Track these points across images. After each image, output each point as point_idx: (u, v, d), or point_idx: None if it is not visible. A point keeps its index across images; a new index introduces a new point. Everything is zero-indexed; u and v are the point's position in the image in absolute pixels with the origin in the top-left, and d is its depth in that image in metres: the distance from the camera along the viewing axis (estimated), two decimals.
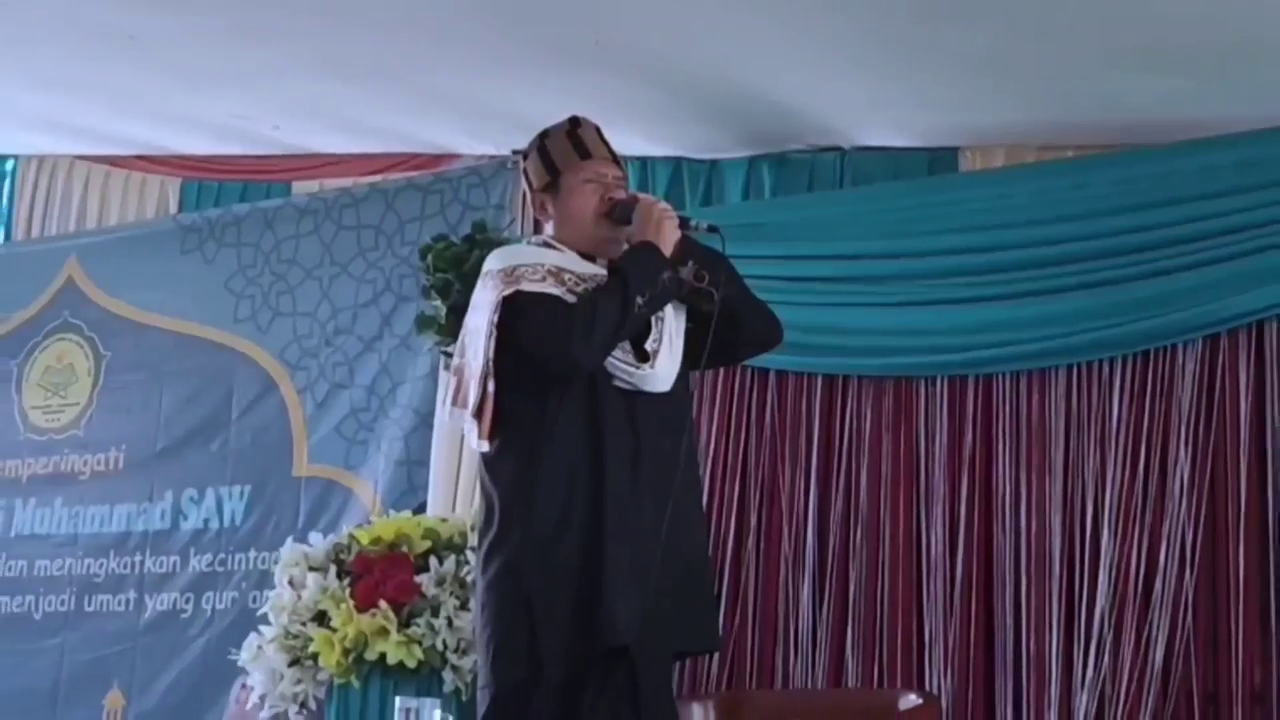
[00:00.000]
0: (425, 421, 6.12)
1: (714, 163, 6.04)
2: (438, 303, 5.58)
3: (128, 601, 6.74)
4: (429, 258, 5.69)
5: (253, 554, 6.45)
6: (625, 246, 3.76)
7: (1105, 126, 5.39)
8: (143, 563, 6.75)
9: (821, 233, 5.69)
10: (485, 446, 3.74)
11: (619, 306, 3.64)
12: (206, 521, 6.64)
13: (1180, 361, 5.21)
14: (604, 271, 3.75)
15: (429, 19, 5.19)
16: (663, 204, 3.82)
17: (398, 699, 3.67)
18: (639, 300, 3.65)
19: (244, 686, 5.92)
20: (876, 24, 4.96)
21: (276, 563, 5.73)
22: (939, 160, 5.77)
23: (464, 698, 4.98)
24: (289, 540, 5.72)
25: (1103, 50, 4.93)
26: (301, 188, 6.97)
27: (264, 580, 6.20)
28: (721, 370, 5.56)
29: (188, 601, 6.60)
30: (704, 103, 5.63)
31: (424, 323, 5.75)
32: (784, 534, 5.60)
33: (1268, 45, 4.77)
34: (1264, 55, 4.83)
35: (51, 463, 7.12)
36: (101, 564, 6.85)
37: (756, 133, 5.84)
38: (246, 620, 6.09)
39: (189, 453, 6.77)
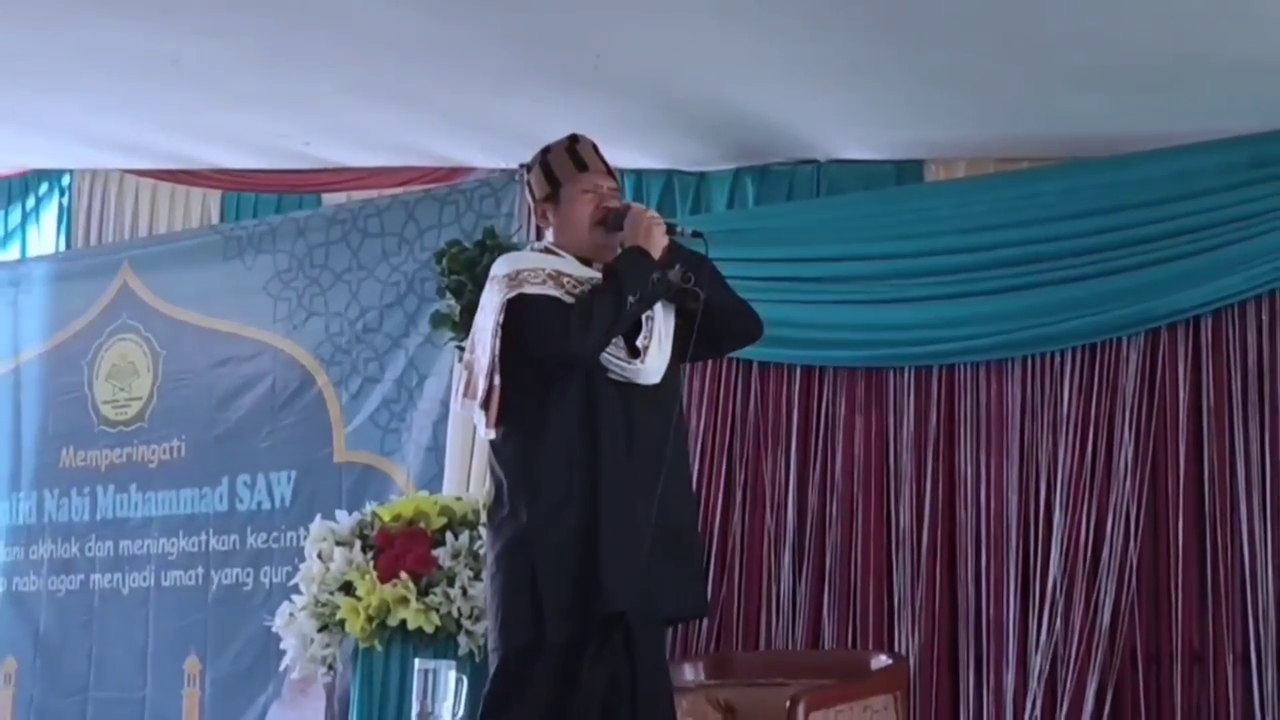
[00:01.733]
0: (450, 411, 6.12)
1: (702, 175, 6.02)
2: (453, 302, 5.59)
3: (198, 576, 6.80)
4: (445, 261, 5.70)
5: (301, 532, 6.40)
6: (619, 251, 3.77)
7: (1056, 141, 5.37)
8: (208, 541, 6.80)
9: (799, 238, 5.68)
10: (493, 434, 3.77)
11: (613, 304, 3.67)
12: (260, 504, 6.68)
13: (1124, 353, 5.20)
14: (599, 275, 3.76)
15: (446, 45, 5.17)
16: (652, 212, 3.84)
17: (417, 661, 3.66)
18: (631, 299, 3.68)
19: None
20: (850, 49, 4.94)
21: None
22: (906, 172, 5.75)
23: (477, 660, 4.98)
24: (317, 518, 5.74)
25: (1054, 72, 4.91)
26: (331, 199, 6.96)
27: None
28: (709, 363, 5.56)
29: (248, 575, 6.66)
30: (693, 120, 5.62)
31: (439, 320, 5.76)
32: (766, 510, 5.60)
33: (1203, 66, 4.75)
34: (1200, 75, 4.81)
35: (124, 453, 7.15)
36: (174, 543, 6.90)
37: (740, 147, 5.82)
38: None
39: (240, 441, 6.79)
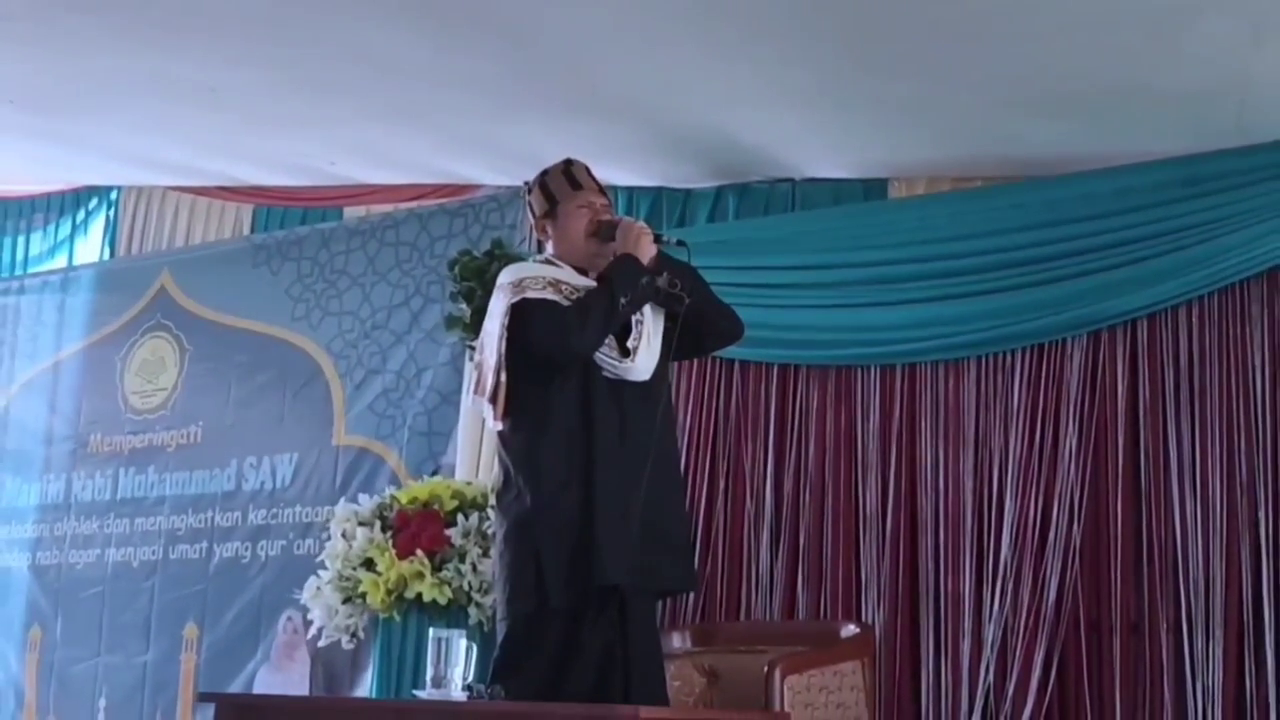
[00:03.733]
0: (446, 400, 6.16)
1: (688, 192, 6.03)
2: (464, 305, 5.61)
3: (201, 550, 6.78)
4: (456, 269, 5.72)
5: (298, 509, 6.48)
6: (611, 259, 3.81)
7: (1008, 161, 5.38)
8: (213, 518, 6.78)
9: (776, 248, 5.69)
10: (500, 425, 3.82)
11: (607, 305, 3.72)
12: (263, 483, 6.67)
13: (1069, 353, 5.20)
14: (593, 283, 3.81)
15: (457, 75, 5.18)
16: (640, 223, 3.90)
17: (431, 630, 3.67)
18: (623, 300, 3.73)
19: (289, 618, 6.00)
20: (821, 80, 4.96)
21: (318, 517, 5.78)
22: (872, 189, 5.75)
23: (485, 629, 5.01)
24: (341, 501, 5.77)
25: (1006, 100, 4.93)
26: (351, 212, 6.97)
27: (307, 531, 6.31)
28: (695, 361, 5.58)
29: (247, 549, 6.64)
30: (679, 143, 5.63)
31: (451, 322, 5.78)
32: (747, 495, 5.60)
33: (1140, 95, 4.77)
34: (1137, 103, 4.83)
35: (146, 438, 7.14)
36: (183, 520, 6.88)
37: (722, 167, 5.83)
38: (293, 564, 6.20)
39: (251, 426, 6.79)
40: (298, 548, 6.38)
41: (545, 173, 4.00)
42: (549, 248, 3.98)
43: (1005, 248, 5.28)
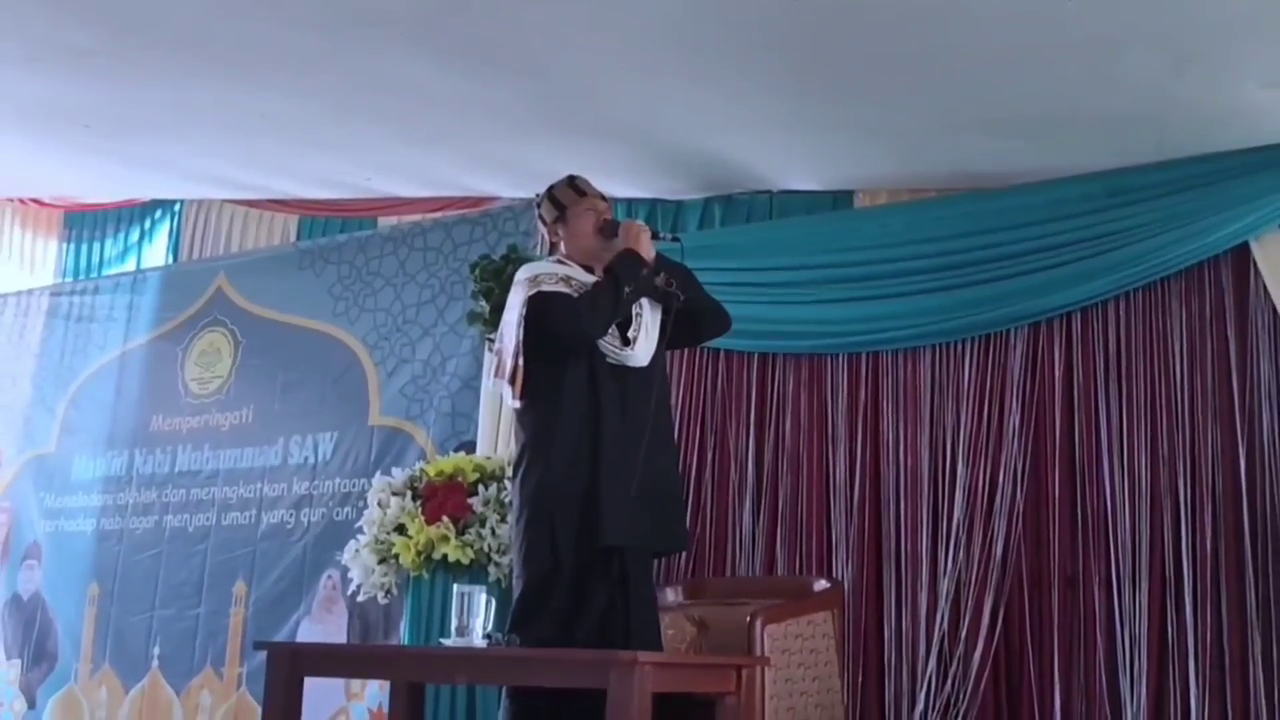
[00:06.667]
0: (467, 385, 6.13)
1: (679, 203, 6.02)
2: (483, 303, 5.60)
3: (250, 517, 6.74)
4: (476, 271, 5.71)
5: (337, 480, 6.44)
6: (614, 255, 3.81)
7: (958, 175, 5.38)
8: (261, 489, 6.74)
9: (756, 252, 5.68)
10: (517, 404, 3.81)
11: (613, 294, 3.72)
12: (306, 458, 6.63)
13: (1011, 343, 5.20)
14: (599, 279, 3.80)
15: (478, 102, 5.18)
16: (640, 223, 3.91)
17: (455, 586, 3.67)
18: (627, 289, 3.73)
19: (329, 576, 5.99)
20: (796, 105, 4.95)
21: (355, 487, 5.77)
22: (839, 200, 5.74)
23: (503, 586, 4.99)
24: (378, 474, 5.75)
25: (956, 122, 4.92)
26: (385, 222, 6.95)
27: (345, 500, 6.28)
28: (686, 352, 5.58)
29: (291, 516, 6.60)
30: (672, 160, 5.62)
31: (472, 317, 5.77)
32: (731, 467, 5.59)
33: (1071, 117, 4.77)
34: (1069, 124, 4.83)
35: (202, 420, 7.11)
36: (234, 490, 6.84)
37: (709, 181, 5.83)
38: (331, 529, 6.18)
39: (296, 409, 6.76)
40: (337, 515, 6.36)
41: (552, 186, 4.00)
42: (561, 249, 3.97)
43: (956, 250, 5.28)
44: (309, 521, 6.52)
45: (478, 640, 3.52)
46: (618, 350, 3.79)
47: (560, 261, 3.92)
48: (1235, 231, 4.83)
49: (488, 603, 3.60)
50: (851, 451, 5.39)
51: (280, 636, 6.32)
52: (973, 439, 5.16)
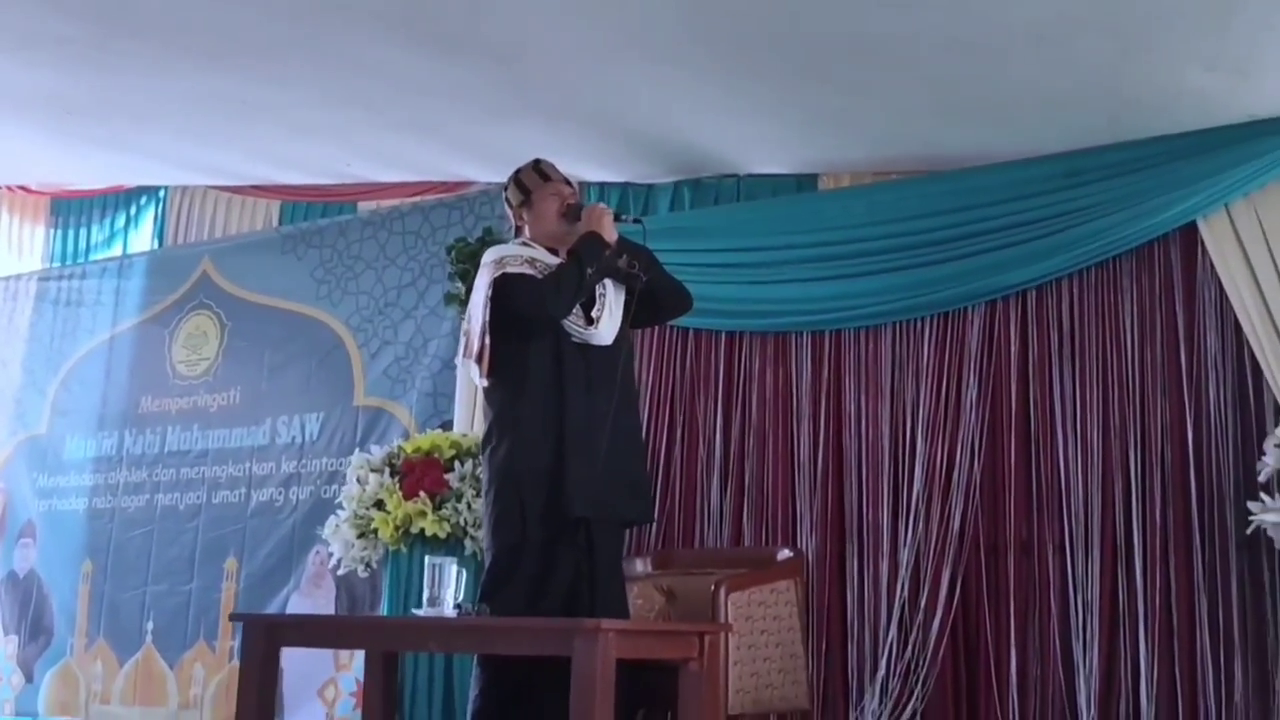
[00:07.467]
0: (448, 365, 6.11)
1: (650, 186, 6.03)
2: (459, 284, 5.61)
3: (240, 495, 6.75)
4: (453, 253, 5.72)
5: (324, 459, 6.45)
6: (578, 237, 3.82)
7: (917, 159, 5.39)
8: (250, 467, 6.75)
9: (724, 233, 5.69)
10: (485, 382, 3.82)
11: (576, 275, 3.72)
12: (293, 438, 6.64)
13: (969, 319, 5.23)
14: (563, 260, 3.81)
15: (455, 88, 5.18)
16: (602, 205, 3.90)
17: (426, 558, 3.69)
18: (590, 270, 3.74)
19: (317, 552, 6.00)
20: (764, 92, 4.97)
21: (342, 465, 5.78)
22: (804, 183, 5.75)
23: (479, 559, 5.01)
24: (356, 451, 5.77)
25: (916, 108, 4.94)
26: (365, 206, 6.94)
27: (332, 478, 6.28)
28: (655, 330, 5.59)
29: (280, 494, 6.61)
30: (643, 145, 5.63)
31: (450, 299, 5.78)
32: (700, 442, 5.61)
33: (1029, 100, 4.79)
34: (1026, 108, 4.85)
35: (191, 401, 7.11)
36: (224, 469, 6.85)
37: (679, 165, 5.83)
38: (320, 506, 6.17)
39: (283, 390, 6.76)
40: (324, 492, 6.37)
41: (518, 170, 4.01)
42: (526, 232, 3.98)
43: (915, 231, 5.29)
44: (297, 499, 6.53)
45: (448, 610, 3.54)
46: (582, 329, 3.80)
47: (525, 244, 3.92)
48: (1184, 211, 4.86)
49: (459, 574, 3.61)
50: (815, 426, 5.41)
51: (270, 610, 6.34)
52: (932, 413, 5.19)
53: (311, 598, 6.30)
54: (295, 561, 6.40)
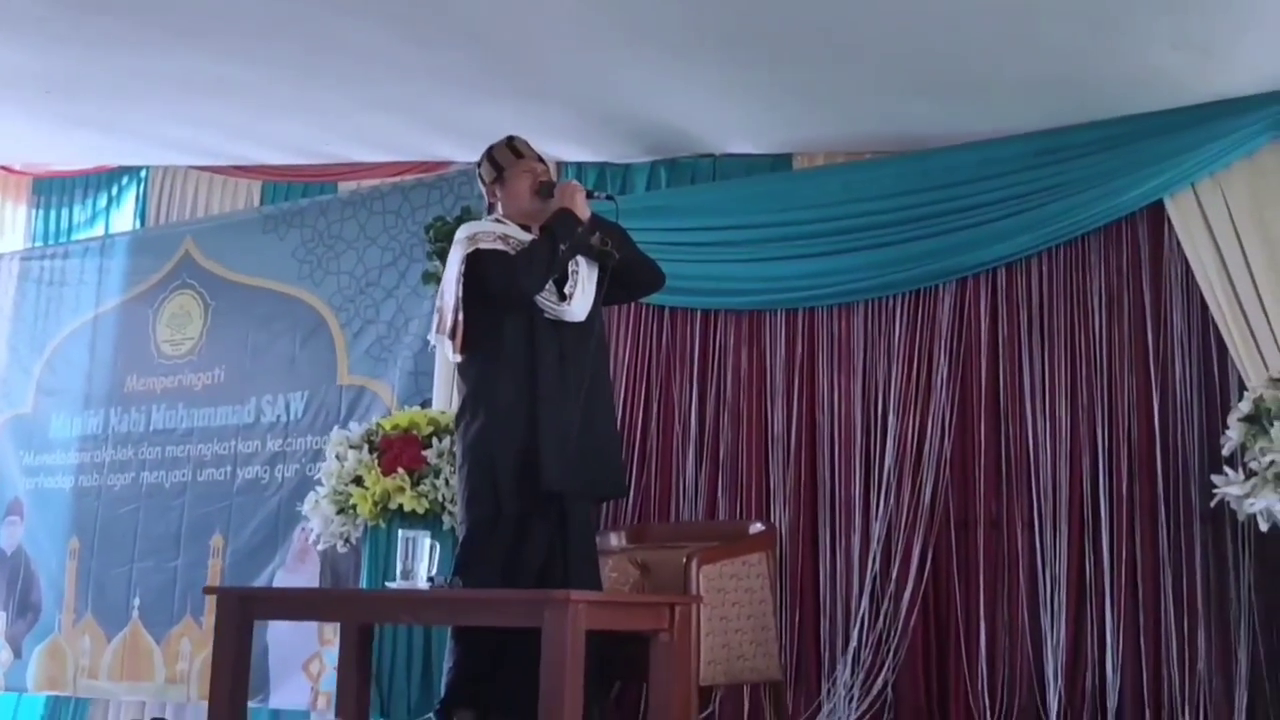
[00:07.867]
0: (428, 344, 6.07)
1: (627, 166, 6.00)
2: (437, 263, 5.59)
3: (226, 473, 6.70)
4: (431, 232, 5.71)
5: (309, 438, 6.40)
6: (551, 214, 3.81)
7: (890, 138, 5.39)
8: (235, 446, 6.70)
9: (700, 212, 5.67)
10: (458, 358, 3.82)
11: (548, 251, 3.72)
12: (279, 416, 6.58)
13: (940, 297, 5.23)
14: (536, 236, 3.80)
15: (434, 68, 5.15)
16: (574, 182, 3.91)
17: (400, 532, 3.70)
18: (562, 247, 3.74)
19: (302, 528, 5.98)
20: (738, 72, 4.95)
21: (325, 443, 5.77)
22: (779, 162, 5.73)
23: (457, 535, 4.98)
24: (335, 428, 5.76)
25: (887, 87, 4.93)
26: (345, 186, 6.88)
27: (317, 456, 6.21)
28: (630, 308, 5.59)
29: (265, 472, 6.56)
30: (620, 125, 5.60)
31: (427, 277, 5.77)
32: (675, 418, 5.61)
33: (1000, 80, 4.78)
34: (997, 87, 4.85)
35: (176, 380, 7.05)
36: (209, 448, 6.79)
37: (655, 145, 5.81)
38: (305, 484, 6.12)
39: (267, 369, 6.71)
40: (309, 470, 6.32)
41: (492, 147, 4.00)
42: (498, 209, 3.97)
43: (888, 210, 5.28)
44: (283, 477, 6.49)
45: (421, 583, 3.54)
46: (555, 305, 3.80)
47: (499, 220, 3.92)
48: (1151, 189, 4.87)
49: (433, 547, 3.62)
50: (789, 403, 5.41)
51: (257, 585, 6.32)
52: (903, 390, 5.19)
53: (297, 574, 6.28)
54: (281, 538, 6.38)
